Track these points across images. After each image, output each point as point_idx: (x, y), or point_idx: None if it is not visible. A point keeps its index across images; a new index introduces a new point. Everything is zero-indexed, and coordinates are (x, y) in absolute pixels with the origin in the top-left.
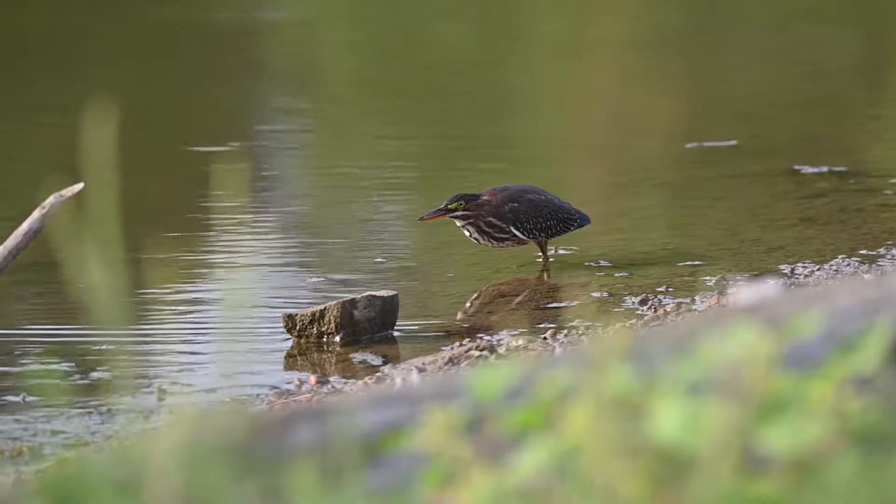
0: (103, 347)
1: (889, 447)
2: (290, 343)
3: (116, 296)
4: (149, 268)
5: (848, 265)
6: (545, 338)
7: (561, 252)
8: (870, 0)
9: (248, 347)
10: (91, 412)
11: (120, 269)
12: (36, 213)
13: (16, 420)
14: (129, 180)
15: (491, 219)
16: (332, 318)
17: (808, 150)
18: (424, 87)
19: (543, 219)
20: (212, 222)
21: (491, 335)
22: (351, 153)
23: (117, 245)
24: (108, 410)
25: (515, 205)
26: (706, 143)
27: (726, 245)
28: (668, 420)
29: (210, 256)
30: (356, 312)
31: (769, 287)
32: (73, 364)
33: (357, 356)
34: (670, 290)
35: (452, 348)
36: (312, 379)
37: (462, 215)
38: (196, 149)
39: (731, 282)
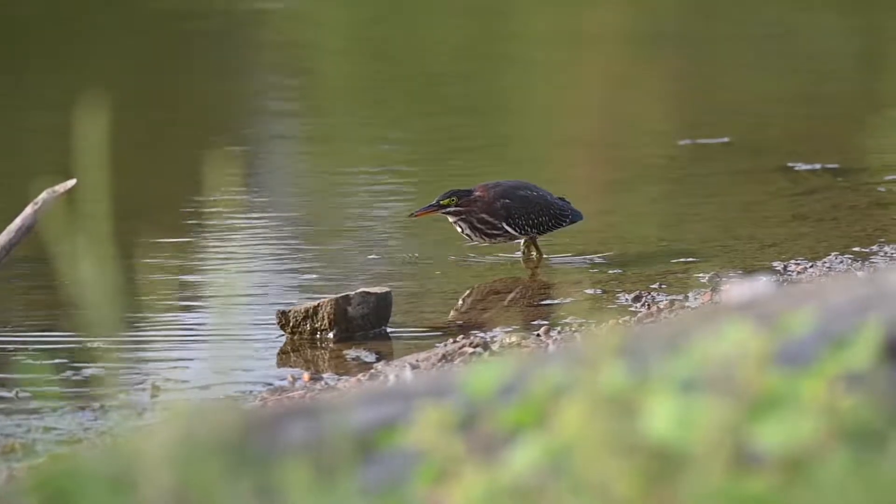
0: (96, 344)
1: (880, 444)
2: (283, 339)
3: (109, 292)
4: (141, 265)
5: (841, 262)
6: (538, 335)
7: (555, 249)
8: None
9: (241, 344)
10: (84, 409)
11: (112, 265)
12: (28, 209)
13: (8, 416)
14: (122, 177)
15: (483, 215)
16: (325, 314)
17: (801, 147)
18: (417, 84)
19: (535, 215)
20: (205, 219)
21: (484, 332)
22: (344, 149)
23: (109, 241)
24: (101, 407)
25: (508, 201)
26: (699, 141)
27: (719, 242)
28: (661, 417)
29: (203, 253)
30: (350, 309)
31: (762, 284)
32: (66, 360)
33: (350, 353)
34: (664, 286)
35: (446, 345)
36: (306, 375)
37: (454, 211)
38: (190, 145)
39: (724, 279)
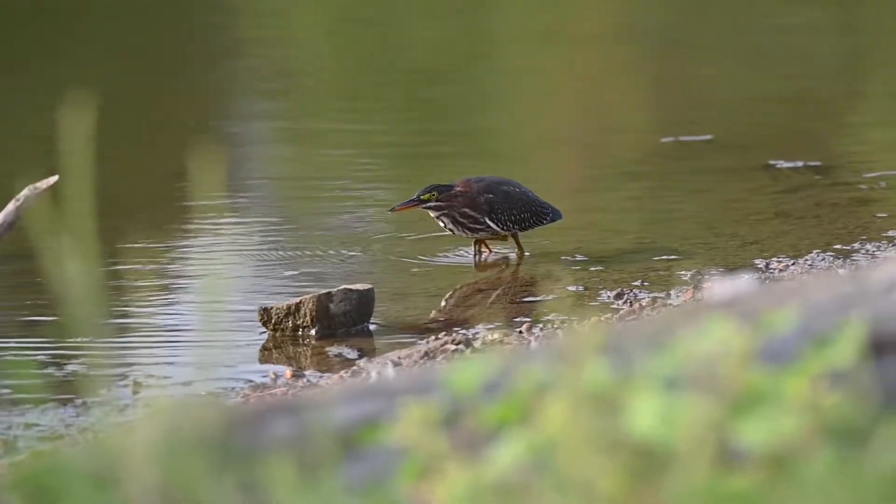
0: (78, 340)
1: (863, 442)
2: (265, 336)
3: (92, 289)
4: (124, 262)
5: (823, 260)
6: (521, 332)
7: (537, 246)
8: None
9: (223, 341)
10: (66, 405)
11: (95, 261)
12: (10, 206)
13: None
14: (105, 172)
15: (466, 209)
16: (307, 311)
17: (783, 144)
18: (400, 82)
19: (518, 211)
20: (188, 215)
21: (467, 329)
22: (327, 146)
23: (93, 237)
24: (83, 403)
25: (491, 196)
26: (682, 138)
27: (701, 239)
28: (644, 414)
29: (185, 250)
30: (332, 306)
31: (744, 281)
32: (48, 356)
33: (333, 350)
34: (646, 284)
35: (428, 342)
36: (288, 372)
37: (435, 206)
38: (172, 141)
39: (706, 276)
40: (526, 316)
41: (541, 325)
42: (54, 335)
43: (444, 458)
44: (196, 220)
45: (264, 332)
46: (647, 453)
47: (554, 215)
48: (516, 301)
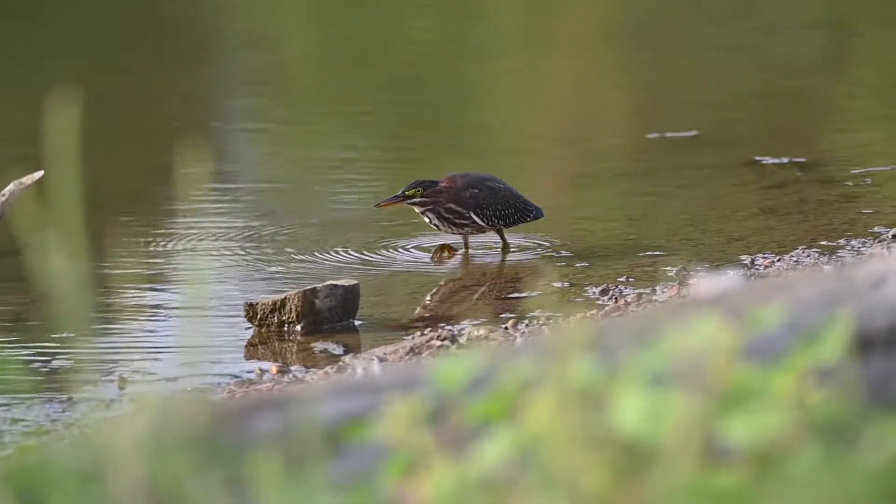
0: (64, 335)
1: (851, 438)
2: (250, 332)
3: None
4: (110, 256)
5: (808, 256)
6: (506, 328)
7: (522, 242)
8: None
9: (208, 336)
10: (52, 400)
11: (81, 256)
12: None
13: None
14: (91, 168)
15: (451, 205)
16: (293, 307)
17: (768, 140)
18: (387, 78)
19: (503, 206)
20: (173, 211)
21: (452, 325)
22: (312, 142)
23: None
24: (69, 399)
25: (476, 191)
26: (667, 134)
27: (687, 235)
28: (630, 411)
29: (171, 245)
30: (317, 301)
31: (730, 278)
32: (34, 352)
33: (318, 345)
34: (631, 280)
35: (414, 338)
36: (273, 368)
37: (420, 202)
38: (157, 138)
39: (691, 272)
40: (511, 312)
41: (526, 322)
42: (40, 330)
43: (429, 454)
44: (182, 216)
45: (250, 328)
46: (633, 450)
47: (537, 213)
48: (502, 297)
